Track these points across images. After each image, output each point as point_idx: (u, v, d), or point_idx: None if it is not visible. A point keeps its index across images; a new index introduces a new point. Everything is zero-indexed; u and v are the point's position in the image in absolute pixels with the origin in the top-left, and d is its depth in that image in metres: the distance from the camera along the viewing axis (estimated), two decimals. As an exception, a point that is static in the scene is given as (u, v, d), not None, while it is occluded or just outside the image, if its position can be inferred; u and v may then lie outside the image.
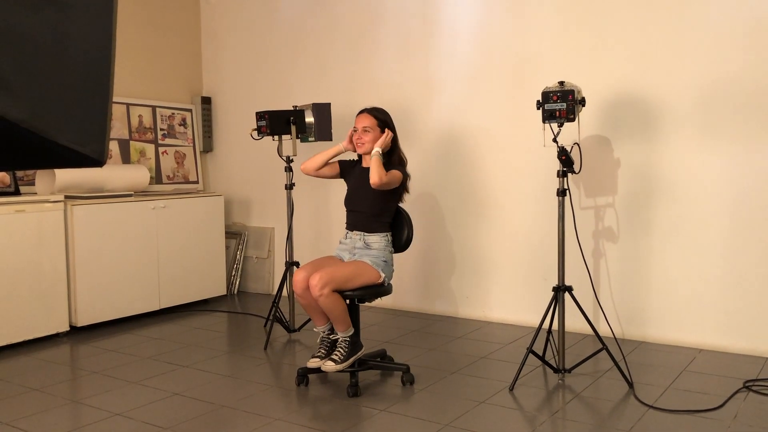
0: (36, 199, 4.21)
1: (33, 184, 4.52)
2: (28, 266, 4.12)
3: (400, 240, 3.55)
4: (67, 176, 4.43)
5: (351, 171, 3.62)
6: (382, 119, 3.51)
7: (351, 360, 3.26)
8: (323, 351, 3.30)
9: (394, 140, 3.55)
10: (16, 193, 4.32)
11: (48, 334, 4.26)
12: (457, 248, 4.74)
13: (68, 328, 4.37)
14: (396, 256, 3.59)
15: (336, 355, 3.24)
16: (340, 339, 3.28)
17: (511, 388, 3.27)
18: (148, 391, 3.34)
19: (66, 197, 4.38)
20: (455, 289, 4.77)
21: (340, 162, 3.65)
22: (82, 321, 4.43)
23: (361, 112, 3.53)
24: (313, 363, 3.26)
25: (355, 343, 3.30)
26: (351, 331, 3.30)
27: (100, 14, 1.36)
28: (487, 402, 3.13)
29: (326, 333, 3.35)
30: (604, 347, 3.36)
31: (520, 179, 4.45)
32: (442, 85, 4.72)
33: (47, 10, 1.28)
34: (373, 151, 3.38)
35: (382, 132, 3.49)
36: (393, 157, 3.53)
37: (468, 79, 4.62)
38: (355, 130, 3.51)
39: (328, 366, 3.20)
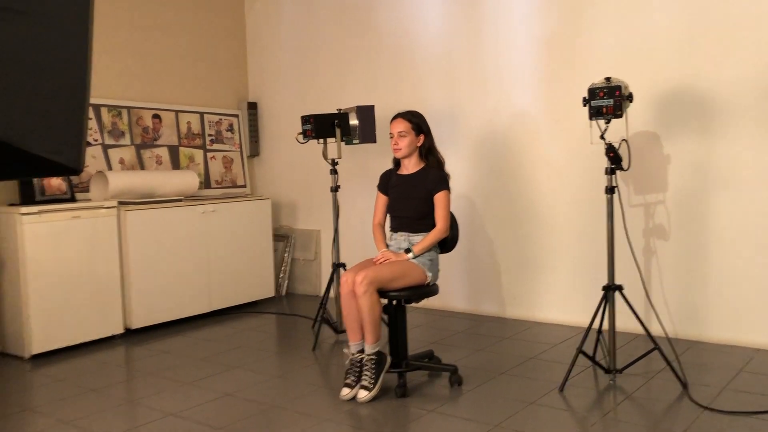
0: (91, 205, 4.34)
1: (88, 190, 4.66)
2: (84, 271, 4.26)
3: (446, 240, 3.54)
4: (120, 182, 4.56)
5: (390, 184, 3.62)
6: (417, 123, 3.51)
7: (381, 379, 3.23)
8: (353, 378, 3.24)
9: (431, 142, 3.55)
10: (72, 199, 4.46)
11: (104, 336, 4.39)
12: (503, 248, 4.70)
13: (123, 331, 4.50)
14: (442, 256, 3.58)
15: (365, 379, 3.20)
16: (366, 359, 3.24)
17: (561, 389, 3.23)
18: (201, 391, 3.42)
19: (119, 203, 4.50)
20: (502, 290, 4.74)
21: (379, 186, 3.65)
22: (136, 323, 4.55)
23: (396, 117, 3.54)
24: (345, 394, 3.21)
25: (380, 360, 3.26)
26: (378, 347, 3.25)
27: (74, 25, 1.37)
28: (537, 403, 3.10)
29: (355, 354, 3.28)
30: (657, 347, 3.29)
31: (566, 177, 4.39)
32: (484, 85, 4.70)
33: (15, 22, 1.30)
34: (410, 256, 3.35)
35: (417, 135, 3.49)
36: (430, 159, 3.53)
37: (510, 77, 4.58)
38: (390, 136, 3.52)
39: (363, 396, 3.16)
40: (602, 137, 3.23)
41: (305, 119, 4.34)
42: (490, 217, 4.75)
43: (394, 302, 3.38)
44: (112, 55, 4.90)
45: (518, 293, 4.67)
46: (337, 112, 4.42)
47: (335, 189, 4.41)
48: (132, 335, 4.55)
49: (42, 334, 4.05)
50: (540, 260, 4.56)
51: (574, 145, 4.29)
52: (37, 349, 4.03)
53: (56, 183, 4.42)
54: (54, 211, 4.12)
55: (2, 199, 4.29)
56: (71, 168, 1.37)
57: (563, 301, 4.47)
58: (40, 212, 4.05)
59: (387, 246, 3.55)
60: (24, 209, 3.99)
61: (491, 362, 3.73)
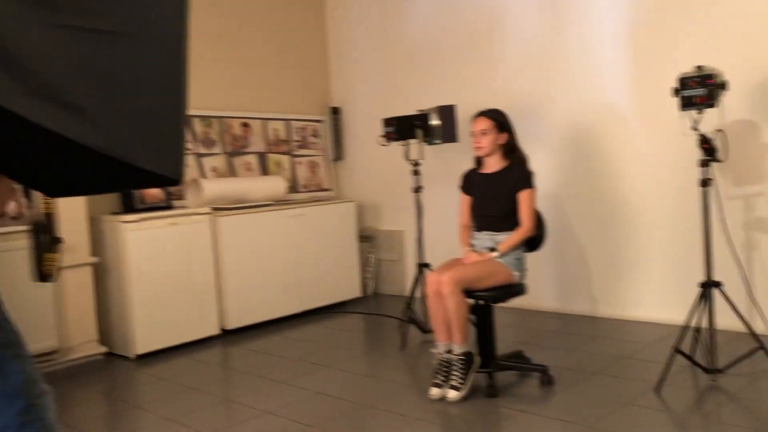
0: (186, 212, 4.55)
1: (183, 198, 4.89)
2: (182, 275, 4.47)
3: (533, 239, 3.50)
4: (213, 189, 4.75)
5: (472, 183, 3.61)
6: (499, 120, 3.48)
7: (470, 379, 3.22)
8: (441, 377, 3.25)
9: (513, 139, 3.51)
10: (169, 207, 4.69)
11: (202, 337, 4.59)
12: (593, 245, 4.59)
13: (219, 331, 4.69)
14: (529, 255, 3.54)
15: (454, 379, 3.20)
16: (454, 359, 3.23)
17: (657, 390, 3.13)
18: (294, 390, 3.52)
19: (213, 209, 4.70)
20: (593, 288, 4.63)
21: (461, 186, 3.65)
22: (231, 324, 4.73)
23: (477, 115, 3.52)
24: (435, 394, 3.22)
25: (469, 360, 3.25)
26: (466, 347, 3.24)
27: (172, 45, 1.46)
28: (632, 404, 3.01)
29: (443, 354, 3.28)
30: (762, 346, 3.13)
31: (657, 170, 4.24)
32: (567, 79, 4.60)
33: (122, 44, 1.39)
34: (495, 255, 3.34)
35: (500, 133, 3.46)
36: (513, 157, 3.50)
37: (596, 69, 4.47)
38: (472, 134, 3.51)
39: (452, 396, 3.16)
40: (695, 128, 3.10)
41: (387, 122, 4.39)
42: (578, 214, 4.65)
43: (481, 302, 3.37)
44: (201, 67, 5.11)
45: (609, 291, 4.55)
46: (418, 113, 4.44)
47: (417, 190, 4.44)
48: (227, 336, 4.73)
49: (145, 335, 4.28)
50: (632, 257, 4.42)
51: (666, 137, 4.14)
52: (141, 349, 4.26)
53: (154, 191, 4.66)
54: (153, 219, 4.35)
55: (105, 208, 4.56)
56: (172, 179, 1.46)
57: (657, 298, 4.32)
58: (140, 220, 4.28)
59: (471, 246, 3.54)
60: (125, 217, 4.22)
61: (583, 362, 3.66)
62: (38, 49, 1.30)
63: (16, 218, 3.82)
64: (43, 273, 1.72)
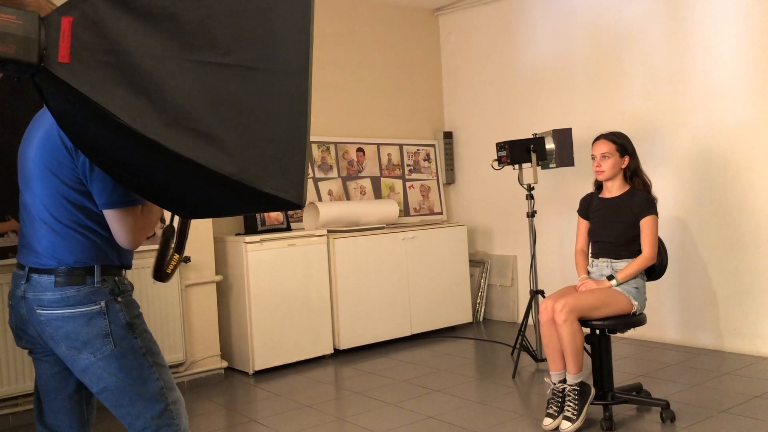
0: (304, 234, 4.72)
1: (301, 220, 5.08)
2: (298, 294, 4.63)
3: (654, 267, 3.35)
4: (329, 212, 4.91)
5: (591, 208, 3.51)
6: (621, 143, 3.37)
7: (584, 410, 3.11)
8: (555, 408, 3.16)
9: (636, 163, 3.39)
10: (288, 229, 4.88)
11: (316, 356, 4.71)
12: (720, 274, 4.33)
13: (332, 351, 4.80)
14: (649, 284, 3.39)
15: (568, 410, 3.10)
16: (568, 389, 3.14)
17: (795, 433, 2.89)
18: (405, 413, 3.54)
19: (328, 231, 4.85)
20: (720, 320, 4.35)
21: (579, 211, 3.57)
22: (344, 344, 4.84)
23: (598, 138, 3.43)
24: (548, 424, 3.14)
25: (583, 391, 3.14)
26: (581, 377, 3.15)
27: (297, 76, 1.54)
28: (765, 447, 2.80)
29: (556, 384, 3.20)
30: None
31: (795, 196, 3.95)
32: (692, 99, 4.40)
33: (252, 78, 1.49)
34: (613, 283, 3.24)
35: (622, 157, 3.35)
36: (636, 182, 3.38)
37: (721, 88, 4.25)
38: (593, 158, 3.42)
39: (566, 427, 3.07)
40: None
41: (500, 146, 4.37)
42: (704, 240, 4.40)
43: (597, 331, 3.26)
44: (320, 95, 5.32)
45: (739, 324, 4.26)
46: (532, 136, 4.40)
47: (532, 215, 4.37)
48: (340, 356, 4.83)
49: (263, 352, 4.45)
50: (763, 286, 4.13)
51: (803, 160, 3.86)
52: (259, 365, 4.44)
53: (275, 214, 4.87)
54: (273, 240, 4.54)
55: (230, 230, 4.81)
56: (295, 204, 1.55)
57: (794, 334, 4.00)
58: (261, 241, 4.48)
59: (588, 273, 3.45)
60: (248, 238, 4.44)
61: (708, 399, 3.44)
62: (177, 84, 1.43)
63: (150, 236, 4.12)
64: (163, 273, 1.87)
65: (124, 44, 1.37)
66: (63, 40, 1.32)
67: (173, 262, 1.87)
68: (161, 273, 1.87)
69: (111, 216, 1.75)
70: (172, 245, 1.87)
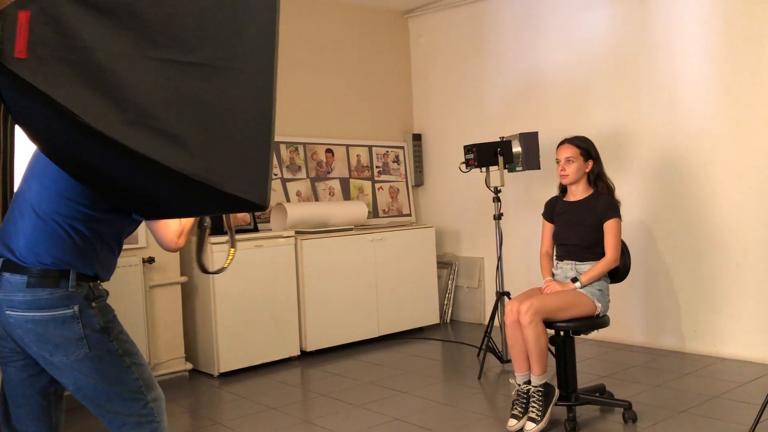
0: (271, 235, 4.69)
1: (269, 221, 5.04)
2: (265, 296, 4.59)
3: (617, 270, 3.40)
4: (297, 213, 4.88)
5: (555, 212, 3.55)
6: (585, 148, 3.42)
7: (549, 411, 3.14)
8: (520, 409, 3.19)
9: (600, 167, 3.45)
10: (255, 230, 4.84)
11: (282, 357, 4.68)
12: (682, 277, 4.41)
13: (299, 353, 4.77)
14: (614, 286, 3.44)
15: (533, 411, 3.13)
16: (533, 390, 3.17)
17: (751, 433, 2.96)
18: (371, 414, 3.54)
19: (296, 233, 4.82)
20: (682, 322, 4.44)
21: (544, 214, 3.60)
22: (311, 346, 4.81)
23: (563, 142, 3.48)
24: (512, 425, 3.16)
25: (548, 392, 3.17)
26: (545, 378, 3.18)
27: (262, 76, 1.53)
28: (723, 446, 2.86)
29: (521, 385, 3.22)
30: None
31: (749, 199, 4.05)
32: (655, 105, 4.48)
33: (216, 77, 1.47)
34: (577, 286, 3.27)
35: (586, 161, 3.40)
36: (600, 185, 3.43)
37: (684, 91, 4.34)
38: (557, 162, 3.46)
39: (530, 428, 3.09)
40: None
41: (468, 148, 4.40)
42: (667, 244, 4.48)
43: (562, 333, 3.30)
44: (287, 96, 5.29)
45: (700, 325, 4.35)
46: (500, 140, 4.43)
47: (498, 217, 4.41)
48: (307, 357, 4.81)
49: (229, 353, 4.41)
50: (724, 289, 4.22)
51: (761, 164, 3.96)
52: (224, 367, 4.39)
53: (241, 214, 4.83)
54: (239, 241, 4.49)
55: (194, 230, 4.75)
56: (258, 205, 1.53)
57: (752, 335, 4.09)
58: (226, 241, 4.43)
59: (553, 275, 3.48)
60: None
61: (670, 399, 3.51)
62: (140, 82, 1.40)
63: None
64: (201, 264, 1.95)
65: (85, 41, 1.34)
66: (20, 35, 1.29)
67: (230, 257, 1.94)
68: (202, 265, 1.96)
69: (152, 224, 1.84)
70: (207, 238, 1.96)
